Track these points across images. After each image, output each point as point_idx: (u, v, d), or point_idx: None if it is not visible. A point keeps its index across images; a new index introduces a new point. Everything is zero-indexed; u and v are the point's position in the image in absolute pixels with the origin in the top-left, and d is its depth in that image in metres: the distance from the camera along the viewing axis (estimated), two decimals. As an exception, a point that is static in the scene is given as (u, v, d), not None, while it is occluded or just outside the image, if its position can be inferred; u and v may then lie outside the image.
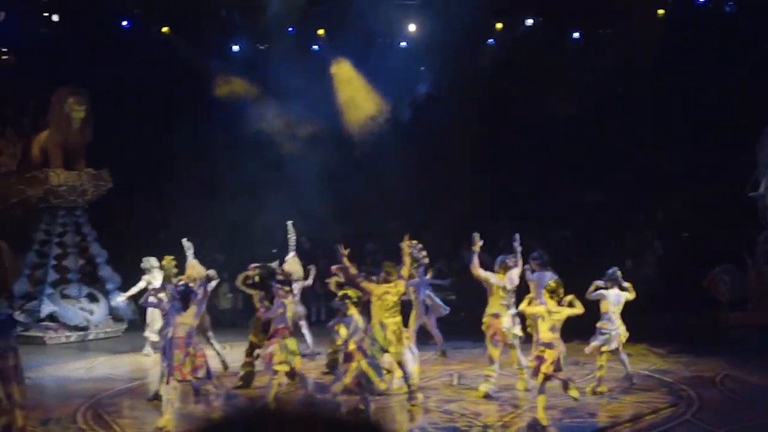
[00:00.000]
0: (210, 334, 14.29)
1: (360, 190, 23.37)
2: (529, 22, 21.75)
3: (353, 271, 11.82)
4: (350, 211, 23.26)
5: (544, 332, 10.57)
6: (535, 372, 10.55)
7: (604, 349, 12.21)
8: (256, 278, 12.86)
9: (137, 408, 11.90)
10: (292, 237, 15.30)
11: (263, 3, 20.07)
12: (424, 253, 14.30)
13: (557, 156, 22.22)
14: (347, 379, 10.48)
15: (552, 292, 10.62)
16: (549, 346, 10.43)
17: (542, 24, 21.82)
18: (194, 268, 13.97)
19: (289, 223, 15.53)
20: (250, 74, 21.07)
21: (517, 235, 12.46)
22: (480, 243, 12.19)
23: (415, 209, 22.98)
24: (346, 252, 11.72)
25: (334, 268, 12.82)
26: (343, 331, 10.62)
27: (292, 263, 14.78)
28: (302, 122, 20.83)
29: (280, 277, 12.58)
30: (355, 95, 21.00)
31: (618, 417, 11.03)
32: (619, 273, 12.59)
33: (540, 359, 10.47)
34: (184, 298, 10.79)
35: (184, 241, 14.43)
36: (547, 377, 10.43)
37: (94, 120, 18.96)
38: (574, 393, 10.71)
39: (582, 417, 11.04)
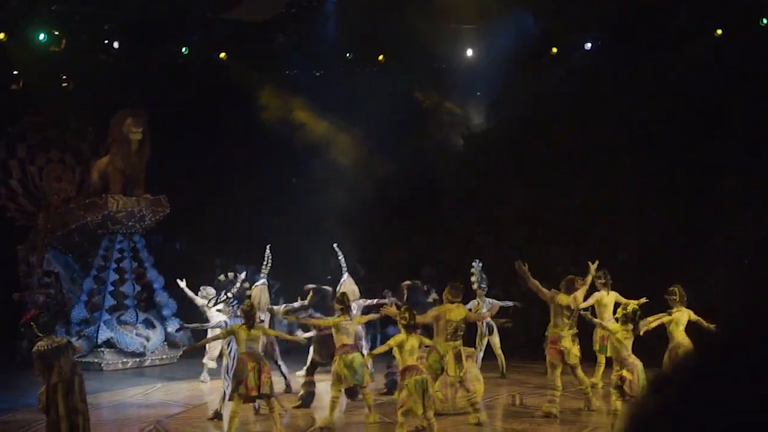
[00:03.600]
0: (277, 357, 14.29)
1: (416, 215, 23.24)
2: (588, 46, 21.50)
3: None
4: (407, 236, 23.13)
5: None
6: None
7: None
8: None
9: (197, 429, 11.81)
10: (341, 258, 15.19)
11: (321, 30, 20.10)
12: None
13: (613, 182, 21.88)
14: (401, 396, 10.36)
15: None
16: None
17: (601, 48, 21.56)
18: (263, 291, 14.24)
19: (335, 245, 15.45)
20: (305, 98, 21.15)
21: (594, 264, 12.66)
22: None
23: (473, 235, 22.79)
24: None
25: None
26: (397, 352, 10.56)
27: (348, 284, 14.70)
28: (358, 147, 20.78)
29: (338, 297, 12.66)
30: None
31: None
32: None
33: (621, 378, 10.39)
34: (248, 316, 10.84)
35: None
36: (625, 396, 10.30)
37: (153, 145, 19.04)
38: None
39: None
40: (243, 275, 14.74)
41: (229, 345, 12.13)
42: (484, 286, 14.90)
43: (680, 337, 12.05)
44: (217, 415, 12.07)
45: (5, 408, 13.86)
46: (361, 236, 20.97)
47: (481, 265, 15.02)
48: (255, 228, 21.48)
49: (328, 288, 14.04)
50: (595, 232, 21.47)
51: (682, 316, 12.08)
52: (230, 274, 13.95)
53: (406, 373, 10.31)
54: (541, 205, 22.43)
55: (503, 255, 21.20)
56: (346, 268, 15.10)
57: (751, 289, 1.61)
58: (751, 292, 1.50)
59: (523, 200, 22.56)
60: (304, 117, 21.23)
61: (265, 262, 14.74)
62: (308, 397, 13.00)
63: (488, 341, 15.24)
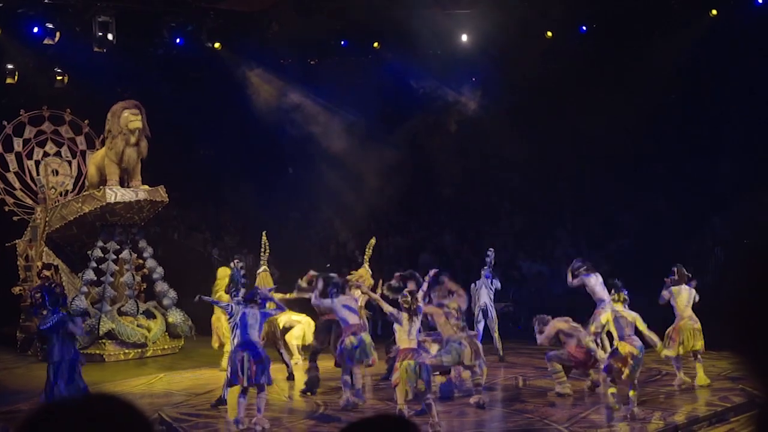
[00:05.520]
0: (280, 345, 14.39)
1: (413, 202, 23.28)
2: (583, 29, 21.52)
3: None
4: (404, 224, 23.16)
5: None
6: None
7: None
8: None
9: (202, 416, 11.89)
10: (367, 253, 15.19)
11: (315, 18, 20.07)
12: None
13: (611, 166, 21.92)
14: (393, 377, 10.51)
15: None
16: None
17: (595, 30, 21.58)
18: (265, 278, 14.27)
19: (372, 239, 15.48)
20: (300, 87, 21.16)
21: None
22: None
23: (470, 222, 22.84)
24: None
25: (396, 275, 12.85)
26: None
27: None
28: (354, 135, 20.80)
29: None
30: None
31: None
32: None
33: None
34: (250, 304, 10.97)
35: None
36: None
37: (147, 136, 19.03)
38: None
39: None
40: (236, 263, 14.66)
41: (233, 331, 12.10)
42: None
43: (686, 314, 12.25)
44: (221, 401, 12.13)
45: (9, 400, 13.87)
46: (358, 224, 21.01)
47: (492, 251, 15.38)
48: (251, 218, 21.53)
49: (333, 275, 13.99)
50: (593, 215, 21.55)
51: (683, 291, 12.29)
52: (238, 264, 13.92)
53: (401, 354, 10.45)
54: (538, 191, 22.48)
55: (502, 241, 21.29)
56: (365, 261, 15.05)
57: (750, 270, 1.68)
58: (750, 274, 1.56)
59: (520, 186, 22.60)
60: (299, 105, 21.24)
61: (262, 249, 14.80)
62: (312, 382, 13.09)
63: (486, 324, 15.42)
